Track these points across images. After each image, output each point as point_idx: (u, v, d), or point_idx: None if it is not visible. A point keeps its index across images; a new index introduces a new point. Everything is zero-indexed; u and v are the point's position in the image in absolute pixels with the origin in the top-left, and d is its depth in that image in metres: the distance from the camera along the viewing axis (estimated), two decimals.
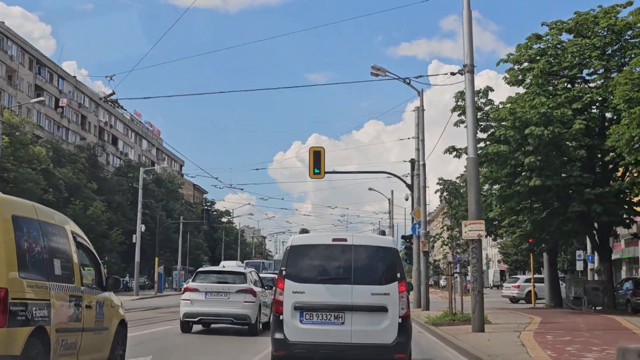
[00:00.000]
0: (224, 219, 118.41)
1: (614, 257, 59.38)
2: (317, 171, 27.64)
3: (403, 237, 35.25)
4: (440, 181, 53.90)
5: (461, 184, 47.57)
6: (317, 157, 27.83)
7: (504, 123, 27.03)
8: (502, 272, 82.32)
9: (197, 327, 19.49)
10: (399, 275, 10.19)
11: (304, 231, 11.58)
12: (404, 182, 34.26)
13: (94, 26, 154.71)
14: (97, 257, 10.14)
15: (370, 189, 60.69)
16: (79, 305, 8.83)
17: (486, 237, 56.92)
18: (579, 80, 29.80)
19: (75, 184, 63.69)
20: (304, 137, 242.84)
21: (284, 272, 10.27)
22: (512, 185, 28.57)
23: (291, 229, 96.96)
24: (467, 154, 19.20)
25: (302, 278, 10.23)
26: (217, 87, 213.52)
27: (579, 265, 49.05)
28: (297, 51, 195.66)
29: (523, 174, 28.14)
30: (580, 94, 28.19)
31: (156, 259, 57.30)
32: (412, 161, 34.15)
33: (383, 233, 13.44)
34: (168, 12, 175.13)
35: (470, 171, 18.91)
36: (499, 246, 79.52)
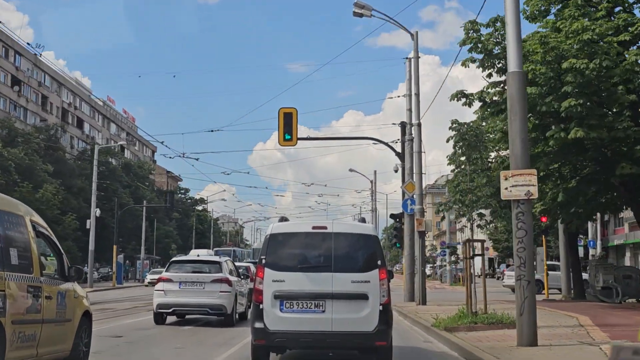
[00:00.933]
0: (200, 207, 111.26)
1: (616, 242, 53.23)
2: (288, 137, 22.73)
3: (392, 215, 28.42)
4: (455, 124, 39.80)
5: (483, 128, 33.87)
6: (288, 120, 22.74)
7: (531, 58, 19.68)
8: (490, 260, 74.96)
9: (171, 319, 18.81)
10: (379, 262, 9.84)
11: (284, 219, 11.12)
12: (393, 149, 27.28)
13: (72, 15, 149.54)
14: (59, 247, 9.81)
15: (351, 170, 53.13)
16: (38, 295, 8.52)
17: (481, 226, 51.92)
18: (622, 8, 22.45)
19: (27, 165, 56.04)
20: None
21: (263, 261, 9.88)
22: (538, 142, 21.23)
23: (269, 217, 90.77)
24: (507, 72, 11.96)
25: (282, 266, 9.91)
26: (197, 76, 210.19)
27: (579, 252, 42.77)
28: (276, 41, 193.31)
29: (553, 127, 20.79)
30: (626, 23, 20.91)
31: (114, 247, 49.75)
32: (403, 124, 27.77)
33: (363, 220, 13.13)
34: (148, 3, 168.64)
35: (514, 93, 11.93)
36: (488, 232, 71.86)
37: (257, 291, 9.89)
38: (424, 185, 26.18)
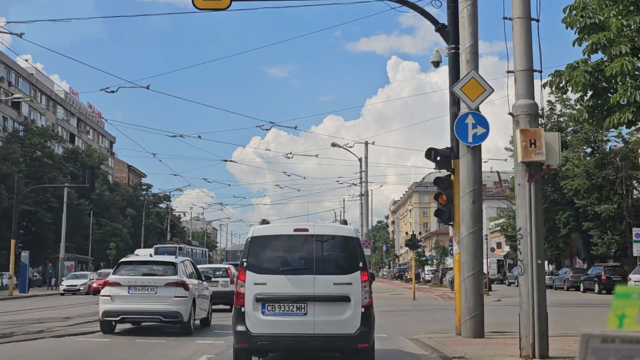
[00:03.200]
0: (163, 205, 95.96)
1: None
2: None
3: (437, 181, 12.51)
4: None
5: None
6: None
7: None
8: (499, 263, 60.00)
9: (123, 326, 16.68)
10: (361, 264, 9.52)
11: (265, 222, 10.52)
12: (432, 20, 11.57)
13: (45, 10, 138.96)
14: None
15: (333, 144, 38.88)
16: None
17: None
18: None
19: None
20: (263, 132, 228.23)
21: (245, 264, 9.55)
22: None
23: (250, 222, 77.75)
24: None
25: (263, 269, 9.58)
26: (175, 80, 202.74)
27: (637, 249, 33.50)
28: (256, 45, 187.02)
29: None
30: None
31: (12, 241, 34.38)
32: None
33: (345, 222, 13.43)
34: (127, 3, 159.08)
35: None
36: (500, 227, 57.03)
37: (238, 294, 9.55)
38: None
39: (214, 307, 19.40)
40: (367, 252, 39.94)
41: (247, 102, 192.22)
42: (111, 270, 18.37)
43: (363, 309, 9.31)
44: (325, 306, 9.34)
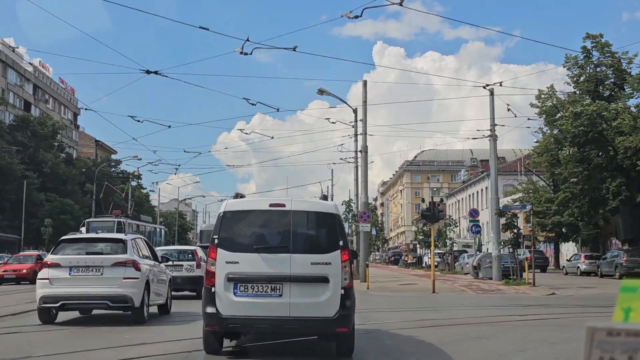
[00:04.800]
0: (134, 183, 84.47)
1: None
2: None
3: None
4: None
5: None
6: None
7: None
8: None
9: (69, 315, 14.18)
10: (341, 243, 8.77)
11: (239, 196, 9.70)
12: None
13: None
14: None
15: (321, 91, 27.84)
16: None
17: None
18: None
19: None
20: (248, 117, 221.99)
21: (216, 241, 8.73)
22: None
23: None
24: None
25: (236, 247, 8.77)
26: (159, 65, 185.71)
27: None
28: (241, 29, 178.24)
29: None
30: None
31: None
32: None
33: (325, 198, 12.37)
34: None
35: None
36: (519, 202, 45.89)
37: (208, 273, 8.75)
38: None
39: (179, 293, 18.66)
40: (366, 227, 29.20)
41: (233, 87, 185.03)
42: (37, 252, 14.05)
43: (343, 291, 8.56)
44: (301, 287, 8.60)
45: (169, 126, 55.40)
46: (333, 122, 33.74)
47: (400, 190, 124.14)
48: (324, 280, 8.53)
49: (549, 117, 40.84)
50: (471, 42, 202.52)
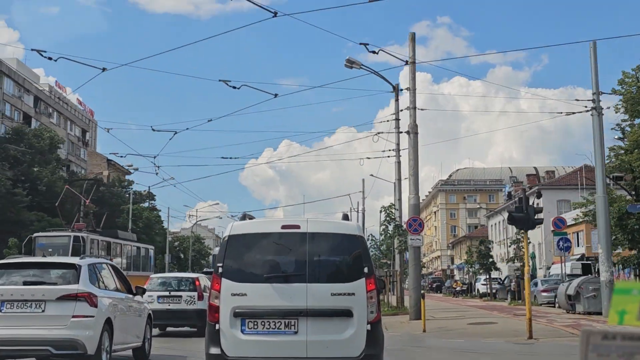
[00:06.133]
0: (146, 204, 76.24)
1: None
2: None
3: None
4: None
5: None
6: None
7: None
8: (587, 266, 38.44)
9: None
10: (366, 270, 7.49)
11: (247, 217, 8.53)
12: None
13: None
14: None
15: (349, 61, 17.22)
16: None
17: None
18: None
19: None
20: (275, 143, 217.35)
21: (220, 270, 7.58)
22: None
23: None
24: None
25: (243, 276, 7.60)
26: (188, 93, 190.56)
27: None
28: (267, 57, 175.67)
29: None
30: None
31: None
32: None
33: (346, 217, 9.11)
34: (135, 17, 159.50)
35: None
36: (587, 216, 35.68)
37: (212, 308, 7.57)
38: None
39: (176, 329, 17.30)
40: (417, 240, 19.84)
41: (260, 114, 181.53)
42: None
43: (369, 326, 7.38)
44: (320, 323, 7.43)
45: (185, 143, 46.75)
46: (363, 66, 24.56)
47: (435, 212, 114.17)
48: (347, 313, 7.38)
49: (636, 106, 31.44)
50: (498, 67, 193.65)
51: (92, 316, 9.74)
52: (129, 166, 45.80)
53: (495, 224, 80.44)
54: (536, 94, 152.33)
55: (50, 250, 22.12)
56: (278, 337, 7.29)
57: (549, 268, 57.63)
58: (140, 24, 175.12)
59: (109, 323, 10.10)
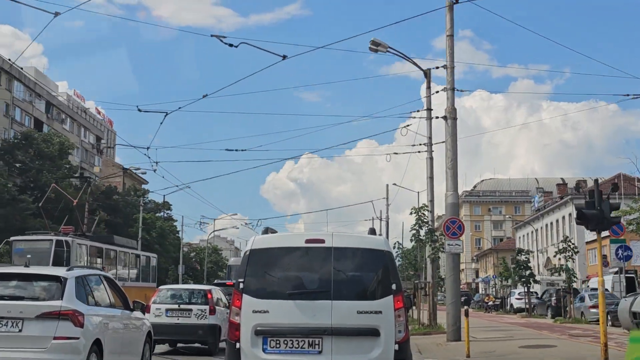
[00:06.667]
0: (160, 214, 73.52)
1: None
2: None
3: None
4: None
5: None
6: None
7: None
8: (630, 281, 34.50)
9: None
10: (394, 286, 7.20)
11: (269, 231, 8.15)
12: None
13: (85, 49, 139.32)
14: None
15: (374, 43, 13.26)
16: None
17: None
18: None
19: None
20: (296, 157, 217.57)
21: (241, 285, 7.30)
22: None
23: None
24: None
25: (265, 292, 7.32)
26: (207, 107, 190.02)
27: None
28: (289, 70, 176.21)
29: None
30: None
31: None
32: None
33: (373, 232, 8.76)
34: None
35: None
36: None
37: (232, 325, 7.31)
38: None
39: (185, 345, 16.08)
40: (455, 245, 16.45)
41: (281, 126, 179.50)
42: None
43: (397, 346, 7.07)
44: (346, 342, 7.08)
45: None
46: (390, 49, 21.01)
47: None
48: (374, 333, 7.07)
49: None
50: (520, 80, 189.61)
51: (77, 338, 8.61)
52: (136, 169, 43.03)
53: (524, 236, 76.56)
54: (558, 107, 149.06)
55: (29, 256, 19.07)
56: (301, 357, 7.04)
57: (584, 282, 53.72)
58: (164, 38, 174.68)
59: (98, 344, 8.96)
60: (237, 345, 7.07)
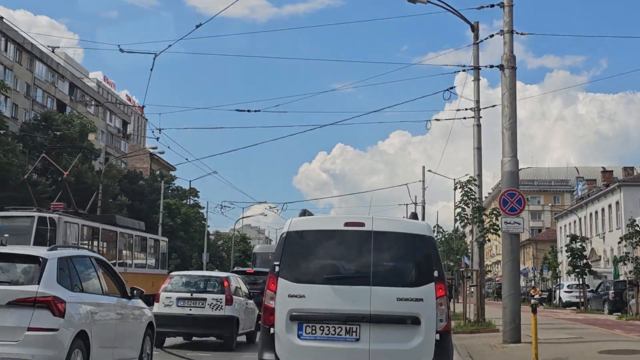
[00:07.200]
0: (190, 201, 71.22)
1: None
2: None
3: None
4: None
5: None
6: None
7: None
8: None
9: None
10: (436, 274, 6.83)
11: (307, 213, 7.67)
12: None
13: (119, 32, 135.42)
14: None
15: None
16: None
17: None
18: None
19: None
20: (329, 147, 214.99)
21: (276, 269, 7.02)
22: None
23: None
24: None
25: (302, 276, 7.00)
26: (242, 97, 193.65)
27: None
28: (321, 61, 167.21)
29: None
30: None
31: None
32: None
33: (414, 216, 8.73)
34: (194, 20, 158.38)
35: None
36: None
37: (267, 309, 7.01)
38: None
39: (199, 339, 14.60)
40: (514, 224, 12.99)
41: (314, 117, 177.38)
42: None
43: (438, 336, 6.69)
44: (385, 330, 6.72)
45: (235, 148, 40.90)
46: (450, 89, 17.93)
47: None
48: (414, 321, 6.71)
49: None
50: (556, 71, 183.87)
51: (56, 329, 7.44)
52: (161, 152, 40.34)
53: (566, 226, 72.28)
54: (595, 98, 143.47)
55: (6, 235, 16.20)
56: (338, 344, 6.69)
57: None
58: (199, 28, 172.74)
59: (83, 337, 7.83)
60: (272, 330, 6.81)
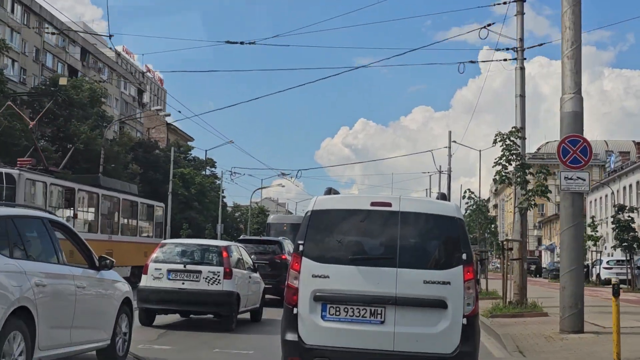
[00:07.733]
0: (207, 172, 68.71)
1: None
2: None
3: None
4: None
5: None
6: None
7: None
8: None
9: None
10: (464, 256, 6.53)
11: (332, 192, 7.35)
12: None
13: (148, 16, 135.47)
14: None
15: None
16: None
17: None
18: None
19: None
20: (351, 122, 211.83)
21: (300, 247, 6.74)
22: None
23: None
24: None
25: (326, 257, 6.73)
26: (264, 73, 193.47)
27: None
28: (346, 36, 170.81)
29: None
30: None
31: None
32: None
33: (443, 197, 7.79)
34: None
35: None
36: None
37: (290, 289, 6.72)
38: None
39: (196, 316, 13.38)
40: (578, 180, 9.70)
41: (336, 91, 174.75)
42: None
43: (465, 320, 6.40)
44: (410, 313, 6.47)
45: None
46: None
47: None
48: (441, 304, 6.41)
49: None
50: (582, 47, 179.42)
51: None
52: (165, 114, 37.40)
53: (596, 200, 68.64)
54: (620, 74, 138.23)
55: None
56: (362, 327, 6.44)
57: None
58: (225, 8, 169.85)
59: (24, 316, 6.34)
60: (295, 310, 6.52)
